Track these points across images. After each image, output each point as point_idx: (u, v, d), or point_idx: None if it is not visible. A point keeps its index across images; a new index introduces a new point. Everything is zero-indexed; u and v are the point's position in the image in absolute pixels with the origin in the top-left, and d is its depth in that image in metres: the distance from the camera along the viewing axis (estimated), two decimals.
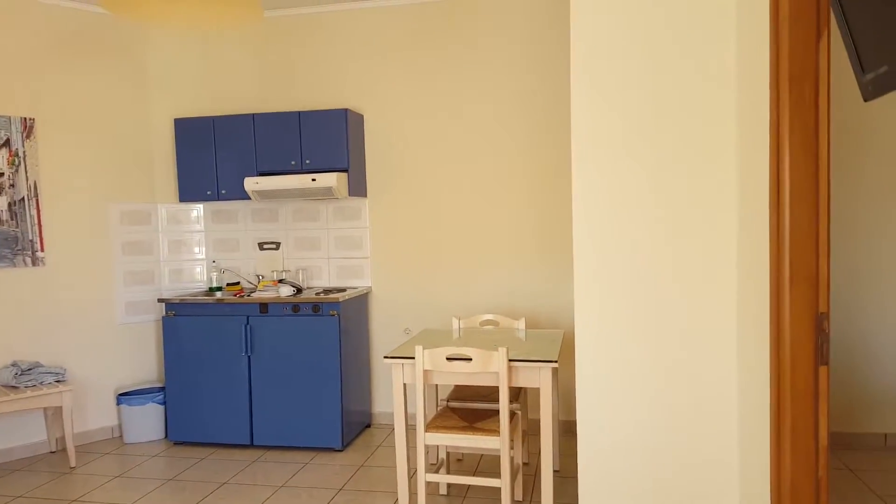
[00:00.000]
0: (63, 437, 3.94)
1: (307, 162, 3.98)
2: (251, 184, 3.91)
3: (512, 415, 2.82)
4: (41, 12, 3.84)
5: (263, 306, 3.81)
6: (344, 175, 3.91)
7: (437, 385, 3.39)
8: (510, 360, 2.61)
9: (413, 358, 2.71)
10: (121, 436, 4.13)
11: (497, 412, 2.89)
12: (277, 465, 3.57)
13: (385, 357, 2.77)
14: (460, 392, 3.28)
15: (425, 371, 2.69)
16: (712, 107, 1.94)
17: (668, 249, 2.06)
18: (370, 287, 4.26)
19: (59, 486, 3.33)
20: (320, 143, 3.95)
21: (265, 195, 3.95)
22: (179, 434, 3.95)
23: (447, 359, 2.63)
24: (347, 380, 3.83)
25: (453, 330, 3.42)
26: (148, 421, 4.05)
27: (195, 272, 4.47)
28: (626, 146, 2.08)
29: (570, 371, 3.99)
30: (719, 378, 2.04)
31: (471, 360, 2.60)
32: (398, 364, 2.78)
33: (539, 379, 2.63)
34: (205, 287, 4.48)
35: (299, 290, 4.04)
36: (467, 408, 3.07)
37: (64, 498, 3.18)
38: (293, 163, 4.00)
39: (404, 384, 2.80)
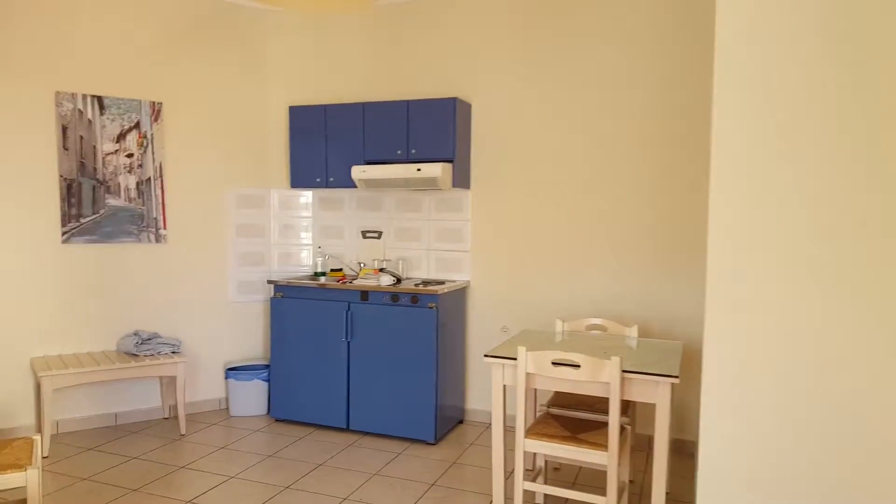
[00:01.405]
0: (175, 405, 4.11)
1: (413, 151, 3.87)
2: (358, 172, 3.87)
3: (621, 429, 2.56)
4: (170, 1, 3.99)
5: (364, 294, 3.76)
6: (449, 165, 3.77)
7: (535, 389, 3.17)
8: (624, 371, 2.35)
9: (515, 359, 2.51)
10: (227, 408, 4.26)
11: (602, 424, 2.63)
12: (371, 452, 3.51)
13: (486, 356, 2.59)
14: (561, 399, 3.05)
15: (528, 374, 2.48)
16: (879, 106, 1.58)
17: (820, 257, 1.73)
18: (469, 281, 4.11)
19: (170, 453, 3.45)
20: (427, 132, 3.83)
21: (371, 184, 3.89)
22: (281, 411, 4.00)
23: (552, 363, 2.41)
24: (443, 374, 3.70)
25: (556, 332, 3.18)
26: (252, 396, 4.14)
27: (302, 256, 4.52)
28: (776, 143, 1.76)
29: (684, 387, 3.63)
30: (881, 409, 1.68)
31: (579, 367, 2.36)
32: (498, 364, 2.60)
33: (656, 394, 2.35)
34: (310, 271, 4.52)
35: (399, 280, 3.96)
36: (570, 416, 2.84)
37: (173, 464, 3.29)
38: (399, 152, 3.91)
39: (503, 385, 2.61)
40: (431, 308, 3.59)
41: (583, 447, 2.41)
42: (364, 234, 4.39)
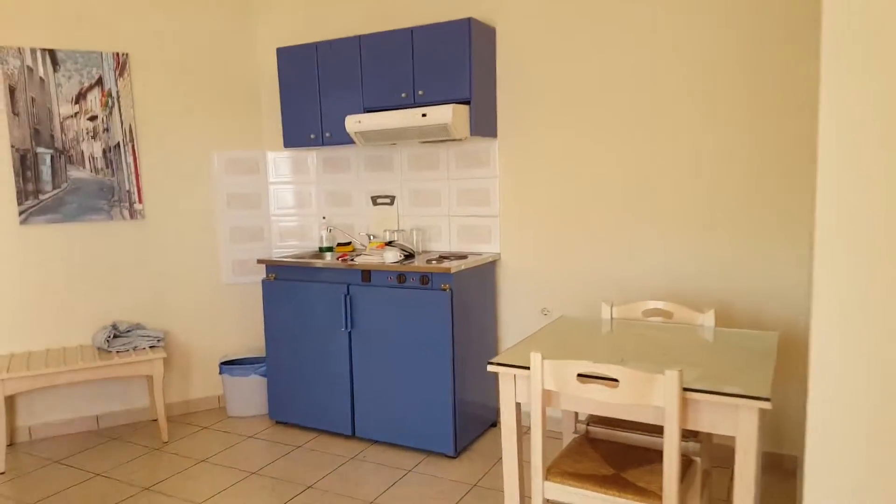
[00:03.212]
0: (167, 405, 3.74)
1: (420, 93, 3.20)
2: (353, 123, 3.24)
3: (688, 463, 1.85)
4: None
5: (366, 274, 3.18)
6: (464, 108, 3.07)
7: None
8: (687, 390, 1.64)
9: (528, 368, 1.85)
10: (225, 407, 3.85)
11: (662, 452, 1.93)
12: (375, 468, 2.97)
13: (489, 364, 1.93)
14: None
15: (546, 392, 1.81)
16: None
17: None
18: (499, 254, 3.43)
19: (141, 468, 3.06)
20: (436, 67, 3.14)
21: (370, 137, 3.25)
22: (280, 413, 3.53)
23: (579, 377, 1.73)
24: (463, 370, 3.08)
25: (602, 321, 2.47)
26: (251, 394, 3.70)
27: (306, 229, 3.99)
28: None
29: (782, 385, 2.83)
30: None
31: (616, 383, 1.67)
32: (508, 375, 1.94)
33: (737, 424, 1.62)
34: (315, 246, 3.99)
35: (411, 256, 3.34)
36: (615, 440, 2.15)
37: (138, 484, 2.88)
38: (404, 95, 3.24)
39: (517, 404, 1.95)
40: (444, 290, 2.95)
41: (629, 497, 1.73)
42: (374, 199, 3.78)
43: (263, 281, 3.47)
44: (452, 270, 2.93)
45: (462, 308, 3.05)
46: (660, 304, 2.50)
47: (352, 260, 3.28)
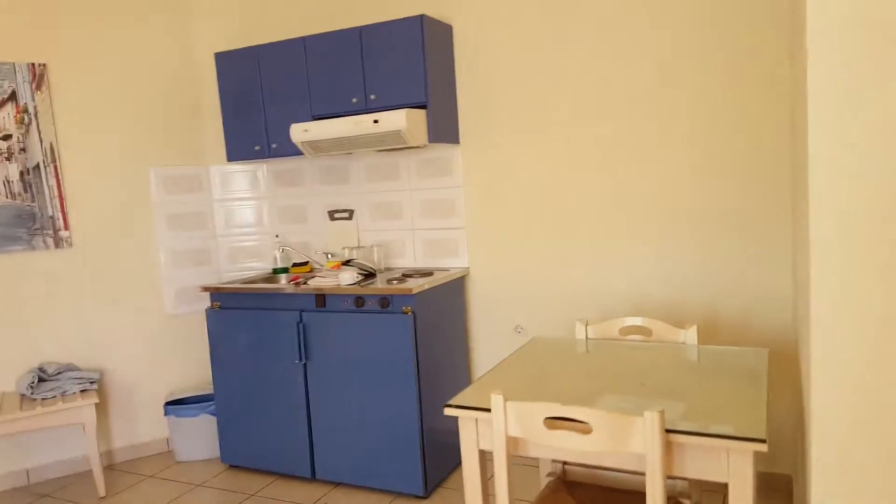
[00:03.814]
0: (108, 452, 3.44)
1: (372, 98, 2.96)
2: (299, 132, 2.99)
3: None
4: None
5: (320, 298, 2.92)
6: (420, 112, 2.84)
7: None
8: (669, 432, 1.41)
9: (489, 411, 1.61)
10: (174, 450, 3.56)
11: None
12: None
13: (446, 407, 1.69)
14: None
15: (511, 439, 1.57)
16: None
17: None
18: (467, 269, 3.20)
19: None
20: (388, 69, 2.91)
21: (319, 147, 3.01)
22: (233, 456, 3.25)
23: (546, 421, 1.49)
24: (432, 400, 2.83)
25: (578, 341, 2.25)
26: (200, 436, 3.42)
27: (261, 249, 3.72)
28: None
29: (774, 398, 2.63)
30: None
31: (589, 428, 1.44)
32: (469, 420, 1.70)
33: (727, 470, 1.40)
34: (269, 268, 3.72)
35: (371, 275, 3.10)
36: (596, 481, 1.92)
37: None
38: (355, 100, 3.01)
39: (480, 451, 1.71)
40: (406, 313, 2.71)
41: None
42: (331, 214, 3.54)
43: (207, 310, 3.20)
44: (414, 291, 2.69)
45: (427, 331, 2.81)
46: (638, 321, 2.28)
47: (305, 283, 3.03)
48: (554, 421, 1.49)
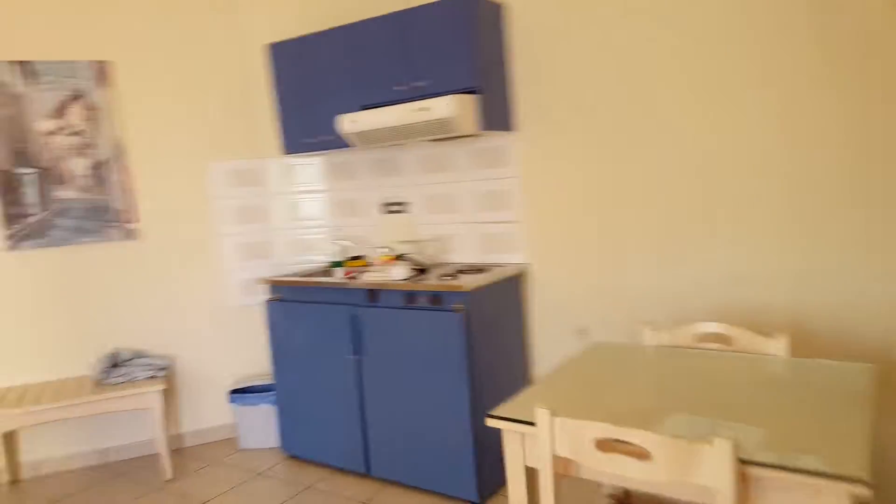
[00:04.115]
0: (178, 436, 3.57)
1: (420, 84, 2.87)
2: (347, 123, 2.94)
3: None
4: None
5: (372, 293, 2.88)
6: (470, 98, 2.72)
7: None
8: (745, 464, 1.25)
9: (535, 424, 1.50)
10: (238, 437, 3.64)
11: None
12: None
13: (488, 417, 1.60)
14: None
15: (558, 459, 1.46)
16: None
17: None
18: (526, 265, 3.07)
19: None
20: (436, 53, 2.80)
21: (367, 138, 2.95)
22: (292, 446, 3.29)
23: (597, 443, 1.37)
24: (486, 403, 2.74)
25: (645, 349, 2.09)
26: (263, 424, 3.48)
27: (319, 242, 3.73)
28: None
29: (886, 424, 2.36)
30: None
31: (647, 453, 1.30)
32: (514, 434, 1.59)
33: None
34: (327, 261, 3.73)
35: (424, 270, 3.03)
36: None
37: None
38: (403, 88, 2.92)
39: (526, 468, 1.61)
40: (457, 311, 2.62)
41: None
42: (386, 207, 3.49)
43: (267, 301, 3.23)
44: (465, 288, 2.59)
45: (481, 330, 2.71)
46: (716, 327, 2.09)
47: (358, 277, 3.00)
48: (608, 442, 1.36)
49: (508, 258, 3.11)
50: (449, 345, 2.65)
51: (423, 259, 3.09)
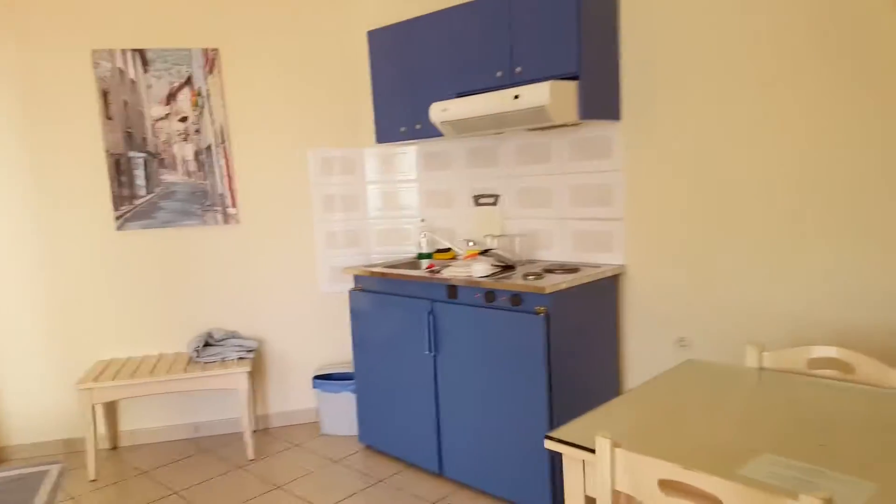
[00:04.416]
0: (266, 416, 3.69)
1: (517, 70, 2.71)
2: (438, 112, 2.84)
3: None
4: None
5: (452, 289, 2.78)
6: (570, 85, 2.52)
7: None
8: None
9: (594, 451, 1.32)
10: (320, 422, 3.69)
11: None
12: None
13: (547, 439, 1.43)
14: None
15: (618, 493, 1.27)
16: None
17: None
18: (623, 266, 2.82)
19: (218, 487, 2.97)
20: (537, 37, 2.63)
21: (459, 127, 2.84)
22: (369, 436, 3.28)
23: (662, 483, 1.17)
24: (565, 412, 2.55)
25: (747, 371, 1.82)
26: (343, 411, 3.50)
27: (409, 233, 3.69)
28: None
29: None
30: None
31: (719, 503, 1.09)
32: (574, 461, 1.42)
33: None
34: (415, 252, 3.68)
35: (509, 267, 2.88)
36: None
37: None
38: (499, 73, 2.78)
39: (584, 497, 1.43)
40: (539, 313, 2.45)
41: None
42: (476, 199, 3.37)
43: (350, 291, 3.24)
44: (548, 290, 2.42)
45: (565, 335, 2.52)
46: (835, 352, 1.78)
47: (439, 271, 2.90)
48: (674, 483, 1.16)
49: (604, 258, 2.88)
50: (528, 348, 2.49)
51: (510, 255, 2.94)
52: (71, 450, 3.44)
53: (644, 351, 2.79)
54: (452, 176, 3.46)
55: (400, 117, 3.23)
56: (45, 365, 3.37)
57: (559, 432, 1.43)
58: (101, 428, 3.45)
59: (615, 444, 1.23)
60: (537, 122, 2.58)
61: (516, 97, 2.53)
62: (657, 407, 1.56)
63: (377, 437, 3.23)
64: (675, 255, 2.64)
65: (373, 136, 3.66)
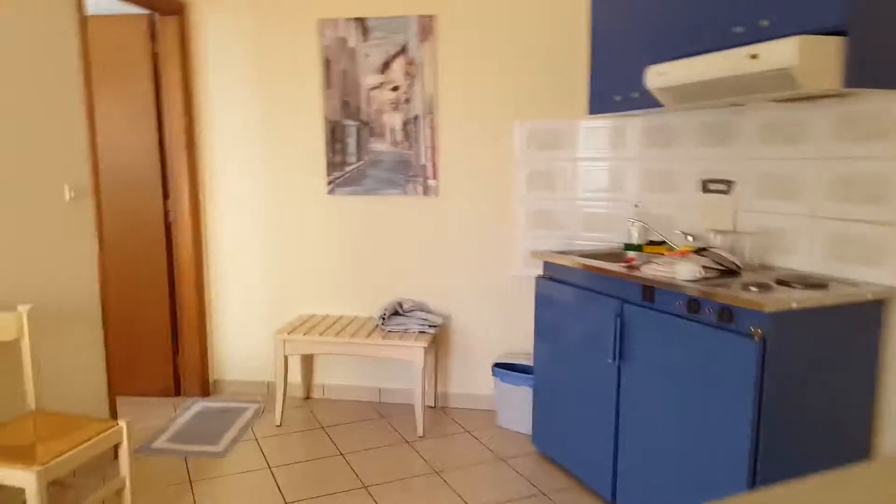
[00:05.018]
0: (445, 394, 3.63)
1: (764, 24, 2.11)
2: (654, 76, 2.37)
3: None
4: None
5: (648, 290, 2.33)
6: (830, 41, 1.88)
7: None
8: None
9: None
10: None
11: None
12: None
13: None
14: None
15: None
16: None
17: None
18: (894, 289, 2.08)
19: (380, 458, 2.96)
20: None
21: (680, 95, 2.34)
22: (543, 441, 3.00)
23: None
24: (774, 466, 1.96)
25: None
26: (519, 406, 3.27)
27: (620, 219, 3.28)
28: None
29: None
30: None
31: None
32: None
33: None
34: (623, 242, 3.24)
35: (729, 272, 2.32)
36: None
37: (360, 479, 2.78)
38: (738, 29, 2.21)
39: None
40: (753, 336, 1.91)
41: None
42: (705, 185, 2.81)
43: (537, 278, 2.96)
44: (768, 308, 1.85)
45: (790, 369, 1.93)
46: None
47: (637, 268, 2.47)
48: None
49: (867, 274, 2.16)
50: (734, 379, 1.96)
51: (735, 257, 2.37)
52: (273, 392, 3.78)
53: None
54: (677, 155, 2.93)
55: (615, 84, 2.82)
56: (259, 311, 3.73)
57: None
58: (297, 377, 3.72)
59: None
60: (783, 89, 1.99)
61: (754, 56, 1.97)
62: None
63: (551, 443, 2.93)
64: None
65: (586, 108, 3.28)
